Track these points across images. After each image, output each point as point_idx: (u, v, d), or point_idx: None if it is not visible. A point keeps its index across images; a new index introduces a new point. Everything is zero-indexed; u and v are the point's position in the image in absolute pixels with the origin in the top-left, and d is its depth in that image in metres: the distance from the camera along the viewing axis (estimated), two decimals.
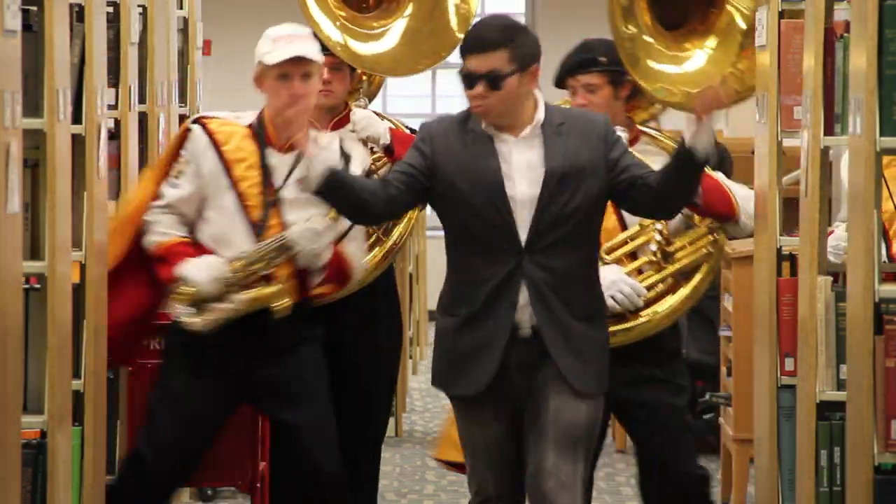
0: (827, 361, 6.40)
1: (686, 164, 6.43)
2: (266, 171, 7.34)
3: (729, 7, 8.13)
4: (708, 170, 6.93)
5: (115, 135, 7.86)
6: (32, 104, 5.98)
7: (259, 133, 7.34)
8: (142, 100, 8.51)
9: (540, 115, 6.58)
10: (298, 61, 7.31)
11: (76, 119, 6.78)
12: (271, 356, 7.42)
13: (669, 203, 6.73)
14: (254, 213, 7.28)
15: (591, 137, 6.57)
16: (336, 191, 6.58)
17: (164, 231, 7.32)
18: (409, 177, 6.61)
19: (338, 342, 8.04)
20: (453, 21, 8.30)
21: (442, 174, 6.57)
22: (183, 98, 9.98)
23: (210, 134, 7.35)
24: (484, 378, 6.57)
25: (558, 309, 6.55)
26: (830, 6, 6.53)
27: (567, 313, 6.57)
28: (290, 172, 7.31)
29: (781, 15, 7.26)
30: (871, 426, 5.56)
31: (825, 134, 6.50)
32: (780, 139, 7.25)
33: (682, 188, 6.60)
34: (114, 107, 7.88)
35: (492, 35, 6.56)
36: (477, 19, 7.74)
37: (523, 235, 6.51)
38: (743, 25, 8.09)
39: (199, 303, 7.23)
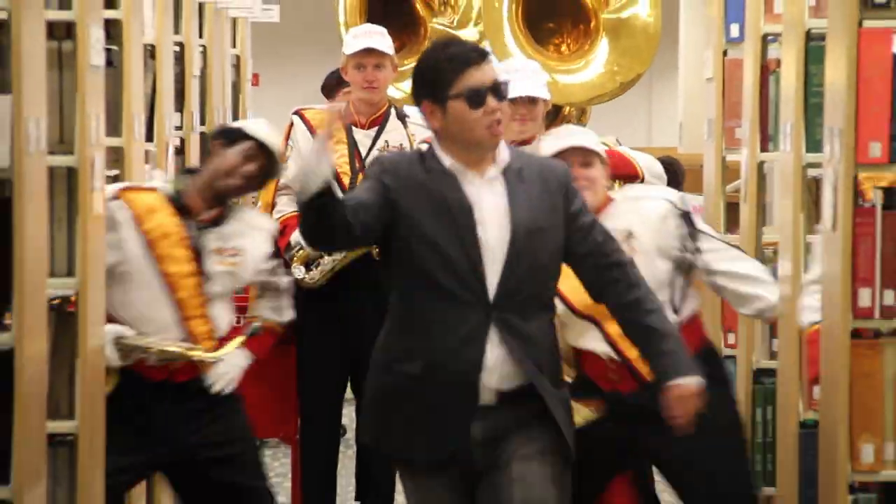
0: (761, 336, 6.42)
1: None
2: (352, 144, 7.18)
3: (598, 19, 8.14)
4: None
5: (180, 150, 7.88)
6: (113, 126, 5.98)
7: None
8: (202, 122, 8.52)
9: (505, 154, 4.89)
10: (370, 52, 7.26)
11: (149, 138, 6.79)
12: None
13: (621, 324, 5.12)
14: (343, 180, 7.07)
15: (552, 184, 4.91)
16: (327, 205, 4.75)
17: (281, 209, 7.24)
18: (376, 207, 4.83)
19: (356, 345, 7.15)
20: (641, 37, 8.17)
21: (405, 213, 4.81)
22: (235, 121, 9.97)
23: (307, 122, 7.20)
24: (447, 445, 4.91)
25: (530, 370, 4.87)
26: (765, 46, 6.55)
27: (533, 372, 4.89)
28: (373, 143, 7.16)
29: (725, 53, 7.28)
30: (797, 390, 5.58)
31: (761, 151, 6.52)
32: (724, 155, 7.28)
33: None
34: (179, 128, 7.91)
35: (473, 46, 5.05)
36: None
37: (492, 289, 4.82)
38: (619, 27, 8.12)
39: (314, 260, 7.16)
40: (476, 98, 4.75)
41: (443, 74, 4.79)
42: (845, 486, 4.89)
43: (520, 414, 4.92)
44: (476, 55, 4.84)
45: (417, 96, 4.88)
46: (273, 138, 5.97)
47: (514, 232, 4.80)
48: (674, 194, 5.84)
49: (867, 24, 4.92)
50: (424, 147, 5.03)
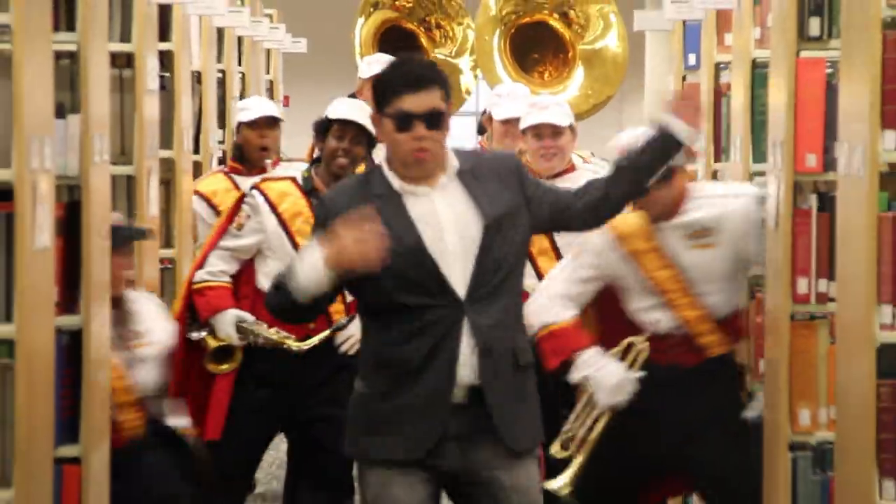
0: None
1: (667, 141, 4.51)
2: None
3: (576, 50, 8.18)
4: (589, 155, 6.46)
5: (221, 161, 7.89)
6: (166, 140, 6.00)
7: None
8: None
9: (454, 161, 4.35)
10: None
11: (196, 150, 6.82)
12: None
13: (618, 199, 4.59)
14: None
15: (505, 177, 4.42)
16: (317, 302, 4.37)
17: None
18: None
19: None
20: (614, 64, 8.16)
21: None
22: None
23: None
24: (424, 442, 4.36)
25: (502, 360, 4.37)
26: (718, 73, 6.56)
27: (511, 364, 4.40)
28: None
29: (684, 78, 7.30)
30: (745, 363, 5.59)
31: (715, 161, 6.53)
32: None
33: (651, 168, 4.54)
34: (221, 142, 7.92)
35: (427, 72, 4.32)
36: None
37: (461, 289, 4.30)
38: (594, 57, 8.14)
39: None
40: (403, 122, 4.22)
41: (384, 91, 4.28)
42: (786, 445, 4.90)
43: (487, 414, 4.39)
44: (420, 80, 4.25)
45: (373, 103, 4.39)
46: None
47: (486, 225, 4.30)
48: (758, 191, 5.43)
49: (804, 54, 4.95)
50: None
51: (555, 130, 5.86)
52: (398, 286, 4.28)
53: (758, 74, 5.61)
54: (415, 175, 4.30)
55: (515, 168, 4.49)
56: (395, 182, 4.30)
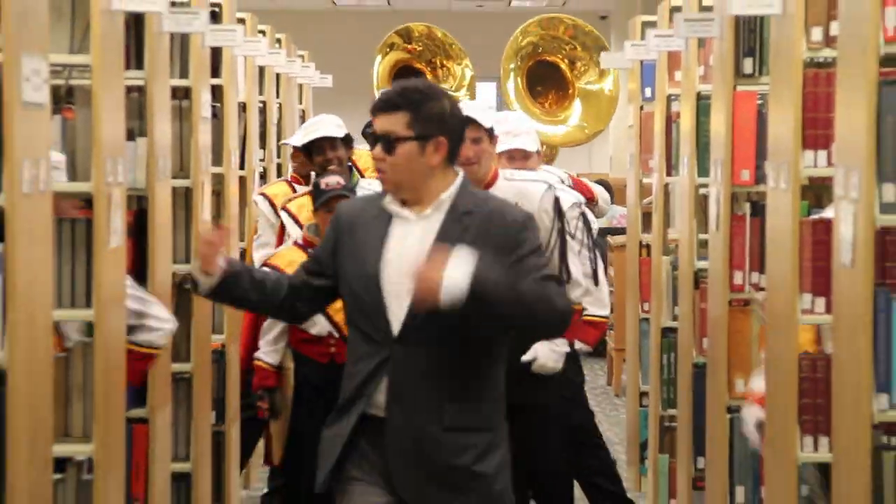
0: (667, 304, 6.44)
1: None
2: None
3: (576, 89, 8.21)
4: (575, 174, 6.06)
5: (262, 175, 7.91)
6: (217, 158, 5.99)
7: None
8: (278, 156, 8.54)
9: (445, 196, 3.53)
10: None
11: (241, 167, 6.82)
12: None
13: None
14: None
15: (494, 234, 3.48)
16: (231, 291, 3.64)
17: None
18: (322, 273, 3.67)
19: None
20: (605, 104, 8.16)
21: (340, 254, 3.60)
22: None
23: (292, 215, 5.94)
24: (330, 457, 3.57)
25: (419, 412, 3.45)
26: (669, 104, 6.56)
27: (433, 420, 3.45)
28: None
29: (642, 108, 7.30)
30: (691, 341, 5.59)
31: (666, 175, 6.53)
32: (640, 178, 7.28)
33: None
34: (262, 160, 7.93)
35: (394, 96, 3.57)
36: None
37: (396, 326, 3.47)
38: (589, 95, 8.17)
39: None
40: (371, 141, 3.70)
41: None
42: (724, 409, 4.93)
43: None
44: (382, 104, 3.57)
45: (436, 135, 3.59)
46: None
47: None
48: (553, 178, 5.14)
49: (739, 88, 4.96)
50: None
51: (525, 154, 5.62)
52: (354, 307, 3.57)
53: (702, 105, 5.61)
54: (402, 197, 3.56)
55: (515, 229, 3.51)
56: (388, 199, 3.57)
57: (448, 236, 3.42)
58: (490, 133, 4.80)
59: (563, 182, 5.69)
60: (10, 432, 3.38)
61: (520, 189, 4.53)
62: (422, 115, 3.53)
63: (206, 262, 3.59)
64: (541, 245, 3.58)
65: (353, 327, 3.60)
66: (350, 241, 3.57)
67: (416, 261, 3.36)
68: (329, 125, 6.06)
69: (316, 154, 5.99)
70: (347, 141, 6.10)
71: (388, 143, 3.53)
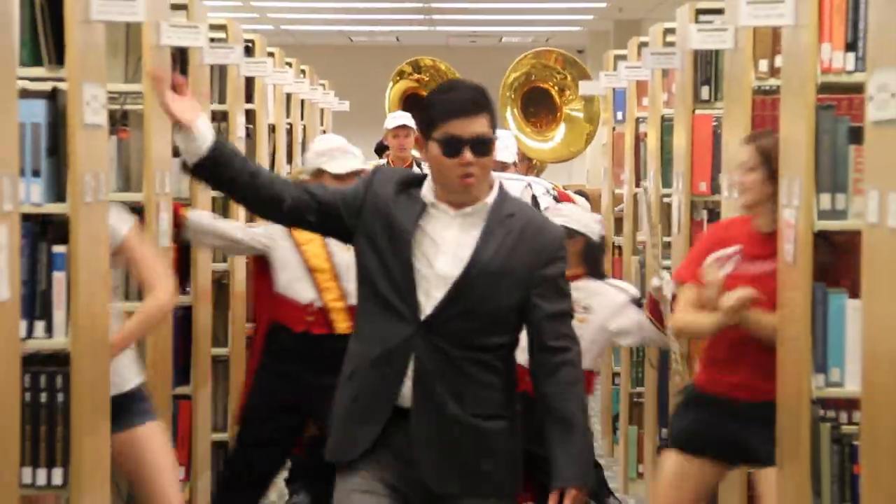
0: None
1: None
2: None
3: (563, 113, 8.23)
4: (560, 186, 5.84)
5: None
6: None
7: None
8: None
9: (491, 197, 3.07)
10: (402, 128, 7.04)
11: None
12: None
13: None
14: None
15: (533, 244, 3.05)
16: (218, 168, 3.05)
17: None
18: (332, 206, 3.09)
19: None
20: (585, 128, 8.18)
21: (367, 222, 3.07)
22: None
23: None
24: (354, 450, 3.03)
25: (444, 401, 2.99)
26: (638, 125, 6.56)
27: (451, 401, 3.00)
28: None
29: (614, 129, 7.31)
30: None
31: (636, 187, 6.54)
32: (613, 189, 7.29)
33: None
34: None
35: (478, 97, 3.04)
36: None
37: (427, 311, 3.01)
38: (573, 119, 8.18)
39: None
40: (451, 147, 2.97)
41: (433, 114, 3.01)
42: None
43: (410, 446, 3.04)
44: (469, 106, 2.99)
45: (417, 125, 3.14)
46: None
47: (468, 269, 2.99)
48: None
49: (698, 112, 4.97)
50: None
51: (503, 165, 5.41)
52: (384, 280, 3.03)
53: (665, 126, 5.62)
54: (453, 199, 3.05)
55: (552, 244, 3.07)
56: (426, 191, 3.06)
57: (493, 235, 3.02)
58: None
59: (548, 192, 5.69)
60: (74, 407, 3.40)
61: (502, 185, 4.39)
62: (494, 115, 3.06)
63: (166, 106, 3.00)
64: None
65: (375, 300, 3.03)
66: (384, 211, 3.03)
67: (454, 254, 3.00)
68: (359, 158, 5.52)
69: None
70: None
71: (483, 145, 3.00)
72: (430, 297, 3.00)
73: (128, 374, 3.79)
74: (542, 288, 3.02)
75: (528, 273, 3.01)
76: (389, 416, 3.01)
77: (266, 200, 3.04)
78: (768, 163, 3.77)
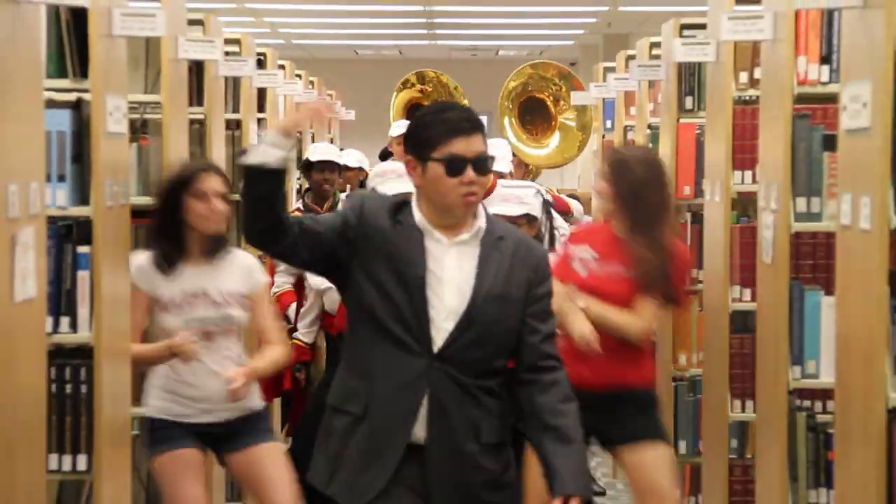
0: None
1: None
2: None
3: (557, 122, 8.23)
4: (554, 190, 5.65)
5: (298, 190, 7.88)
6: None
7: None
8: None
9: (482, 222, 2.86)
10: None
11: None
12: None
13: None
14: None
15: (525, 264, 2.84)
16: (272, 187, 2.74)
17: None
18: (326, 239, 2.78)
19: None
20: (578, 136, 8.17)
21: (364, 254, 2.78)
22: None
23: None
24: (371, 490, 2.76)
25: (460, 430, 2.76)
26: (626, 133, 6.52)
27: (470, 438, 2.78)
28: None
29: (603, 136, 7.28)
30: None
31: None
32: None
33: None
34: (299, 178, 7.92)
35: (473, 116, 2.84)
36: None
37: (438, 343, 2.76)
38: (567, 128, 8.19)
39: None
40: (455, 166, 2.74)
41: (431, 135, 2.77)
42: (670, 378, 4.91)
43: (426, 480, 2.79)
44: (468, 125, 2.78)
45: (405, 149, 2.84)
46: (328, 153, 5.70)
47: (474, 297, 2.77)
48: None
49: (682, 120, 4.96)
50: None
51: (500, 175, 5.17)
52: (385, 306, 2.74)
53: (652, 134, 5.61)
54: (447, 221, 2.80)
55: (539, 262, 2.87)
56: (418, 217, 2.80)
57: (490, 260, 2.79)
58: None
59: (539, 193, 5.67)
60: (97, 397, 3.39)
61: (515, 192, 4.32)
62: (485, 134, 2.83)
63: (297, 124, 2.85)
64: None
65: (381, 335, 2.76)
66: (380, 244, 2.76)
67: (458, 283, 2.77)
68: (333, 152, 5.86)
69: (317, 172, 5.73)
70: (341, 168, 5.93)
71: (485, 163, 2.78)
72: (440, 329, 2.76)
73: (254, 397, 3.86)
74: (535, 307, 2.82)
75: (525, 293, 2.81)
76: (403, 454, 2.75)
77: (277, 227, 2.74)
78: (617, 176, 3.78)
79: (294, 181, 7.40)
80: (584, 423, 2.83)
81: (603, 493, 5.85)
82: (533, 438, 2.81)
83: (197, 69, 4.77)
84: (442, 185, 2.76)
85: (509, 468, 2.86)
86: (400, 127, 7.31)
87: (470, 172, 2.76)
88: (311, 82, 8.69)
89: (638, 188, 3.76)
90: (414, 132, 2.83)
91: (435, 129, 2.79)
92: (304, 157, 6.05)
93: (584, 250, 3.85)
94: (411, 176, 2.81)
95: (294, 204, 6.13)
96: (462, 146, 2.76)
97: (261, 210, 2.75)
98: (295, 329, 5.45)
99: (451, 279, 2.77)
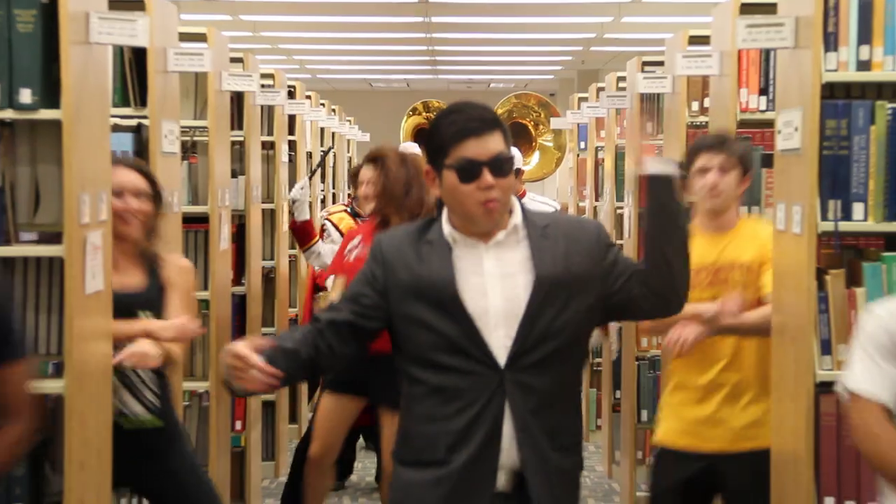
0: None
1: (654, 187, 2.19)
2: None
3: (537, 143, 8.24)
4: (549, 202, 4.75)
5: (323, 201, 7.89)
6: (291, 188, 6.00)
7: None
8: (333, 187, 8.52)
9: (516, 218, 2.18)
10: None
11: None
12: None
13: (664, 279, 2.17)
14: None
15: (583, 241, 2.17)
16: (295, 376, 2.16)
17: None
18: (355, 313, 2.17)
19: None
20: (555, 154, 8.12)
21: (396, 296, 2.15)
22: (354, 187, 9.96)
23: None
24: None
25: (542, 440, 2.11)
26: (597, 152, 6.50)
27: (549, 445, 2.12)
28: None
29: (578, 155, 7.27)
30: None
31: (595, 201, 6.52)
32: (578, 203, 7.21)
33: (660, 226, 2.16)
34: (322, 191, 7.94)
35: (487, 114, 2.15)
36: None
37: (502, 354, 2.10)
38: (545, 148, 8.19)
39: None
40: (467, 171, 2.12)
41: (441, 141, 2.15)
42: (633, 357, 4.90)
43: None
44: (477, 125, 2.13)
45: (426, 160, 2.21)
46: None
47: (536, 289, 2.12)
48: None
49: (644, 143, 4.96)
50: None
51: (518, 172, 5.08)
52: (433, 342, 2.13)
53: (619, 153, 5.63)
54: (477, 230, 2.16)
55: (596, 233, 2.20)
56: (447, 230, 2.17)
57: (543, 251, 2.14)
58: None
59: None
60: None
61: (542, 207, 4.05)
62: (507, 131, 2.18)
63: (239, 380, 2.07)
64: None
65: (442, 375, 2.11)
66: (408, 276, 2.14)
67: (502, 287, 2.12)
68: None
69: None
70: None
71: (502, 164, 2.12)
72: (501, 339, 2.10)
73: None
74: (613, 274, 2.15)
75: (593, 272, 2.13)
76: (490, 496, 2.10)
77: (315, 371, 2.17)
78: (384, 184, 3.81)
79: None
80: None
81: None
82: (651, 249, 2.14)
83: (237, 99, 4.79)
84: (459, 194, 2.12)
85: (579, 468, 2.22)
86: (408, 147, 7.31)
87: (487, 176, 2.10)
88: (333, 110, 8.70)
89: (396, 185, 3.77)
90: (427, 140, 2.20)
91: (447, 130, 2.14)
92: (353, 166, 5.77)
93: (355, 241, 3.94)
94: (431, 187, 2.20)
95: (336, 205, 5.76)
96: (475, 148, 2.10)
97: (299, 380, 2.33)
98: None
99: (495, 284, 2.12)
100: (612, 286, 2.16)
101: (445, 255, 2.15)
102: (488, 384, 2.10)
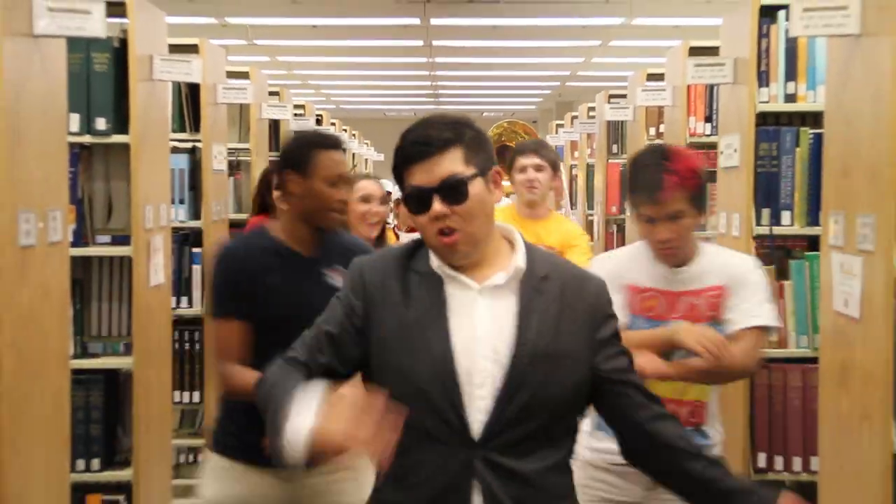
0: None
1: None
2: None
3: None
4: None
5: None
6: None
7: None
8: None
9: (520, 259, 1.35)
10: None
11: None
12: None
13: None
14: None
15: (578, 306, 1.34)
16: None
17: None
18: (336, 348, 1.37)
19: None
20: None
21: (375, 334, 1.33)
22: None
23: None
24: None
25: None
26: (571, 169, 6.50)
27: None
28: None
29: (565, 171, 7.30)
30: None
31: (570, 209, 6.51)
32: (565, 212, 7.28)
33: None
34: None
35: (439, 132, 1.32)
36: None
37: (477, 426, 1.30)
38: None
39: None
40: (416, 199, 1.39)
41: (394, 169, 1.42)
42: None
43: None
44: (421, 148, 1.38)
45: (491, 167, 1.46)
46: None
47: (517, 357, 1.36)
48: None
49: (610, 161, 4.98)
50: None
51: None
52: (410, 394, 1.36)
53: (590, 171, 5.64)
54: (464, 262, 1.43)
55: (595, 298, 1.44)
56: (436, 263, 1.43)
57: (532, 310, 1.41)
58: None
59: None
60: (206, 353, 3.41)
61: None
62: (473, 145, 1.43)
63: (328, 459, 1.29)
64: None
65: (413, 432, 1.35)
66: (390, 317, 1.41)
67: (494, 343, 1.39)
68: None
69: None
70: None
71: (456, 188, 1.40)
72: (477, 408, 1.38)
73: None
74: (604, 352, 1.44)
75: (584, 345, 1.42)
76: None
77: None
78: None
79: None
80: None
81: None
82: (676, 468, 1.44)
83: (274, 125, 4.80)
84: (418, 226, 1.43)
85: None
86: None
87: (436, 205, 1.39)
88: (353, 134, 8.72)
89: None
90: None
91: (395, 159, 1.44)
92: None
93: None
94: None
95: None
96: (420, 175, 1.40)
97: None
98: None
99: (486, 338, 1.40)
100: (598, 369, 1.43)
101: (435, 295, 1.41)
102: (457, 455, 1.37)
